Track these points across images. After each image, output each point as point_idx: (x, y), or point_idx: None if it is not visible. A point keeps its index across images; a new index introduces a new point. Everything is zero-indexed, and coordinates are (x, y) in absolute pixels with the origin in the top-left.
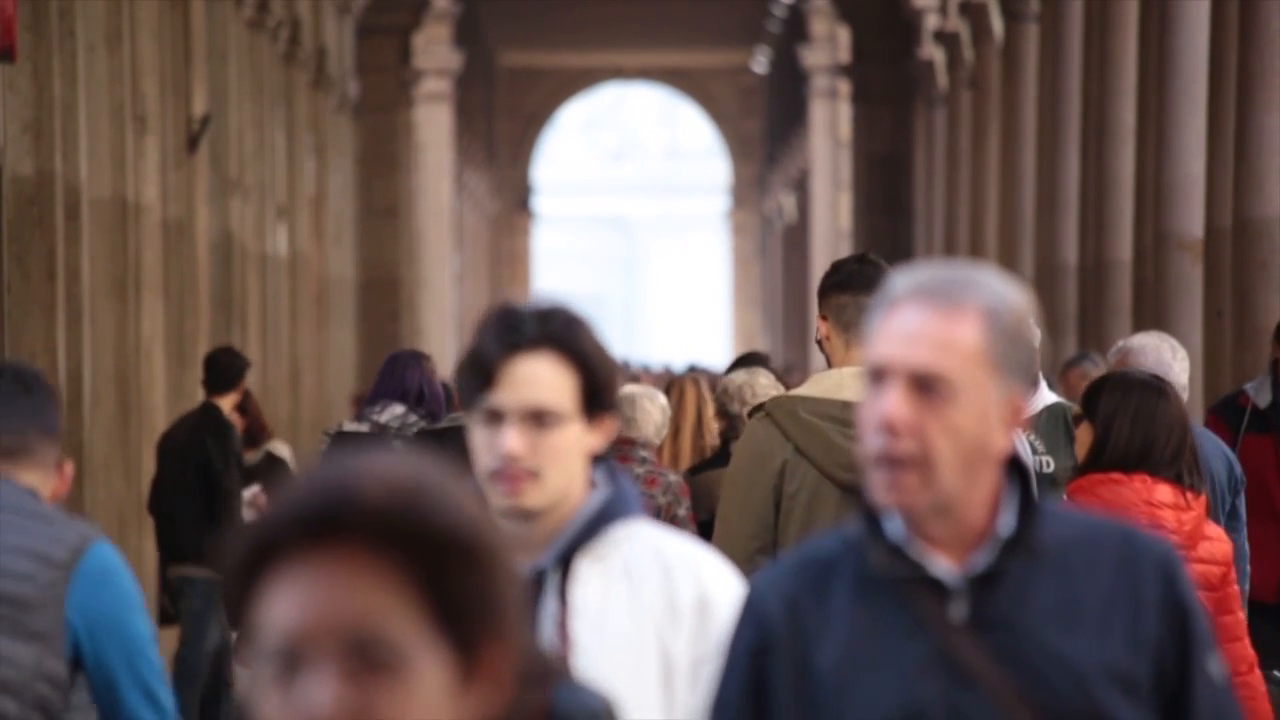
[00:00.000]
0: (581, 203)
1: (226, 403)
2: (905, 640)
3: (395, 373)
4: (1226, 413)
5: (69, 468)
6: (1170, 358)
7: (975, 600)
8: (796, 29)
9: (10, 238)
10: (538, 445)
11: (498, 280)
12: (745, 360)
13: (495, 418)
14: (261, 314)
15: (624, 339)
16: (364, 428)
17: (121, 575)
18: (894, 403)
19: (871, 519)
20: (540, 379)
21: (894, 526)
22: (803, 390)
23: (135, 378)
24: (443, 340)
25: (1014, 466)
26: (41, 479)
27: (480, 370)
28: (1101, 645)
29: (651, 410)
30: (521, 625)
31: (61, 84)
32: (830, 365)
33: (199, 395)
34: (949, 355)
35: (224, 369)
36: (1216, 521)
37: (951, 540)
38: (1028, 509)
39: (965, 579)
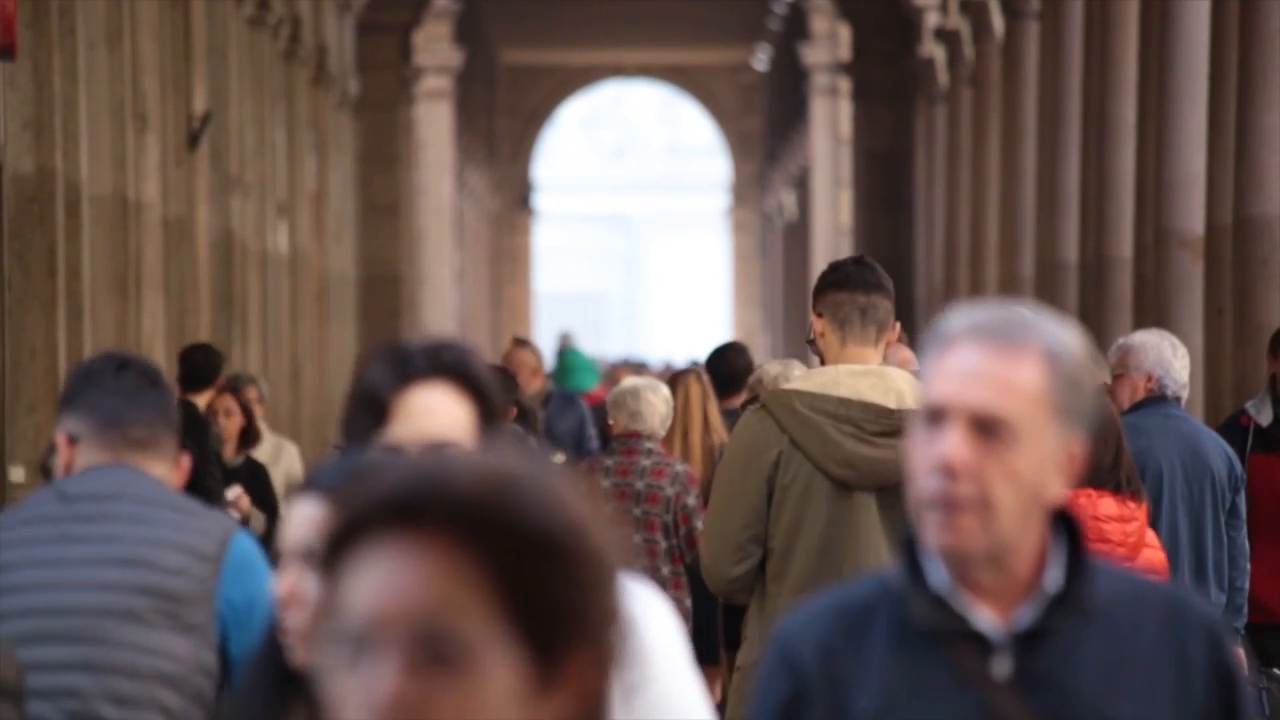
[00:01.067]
0: (582, 200)
1: (202, 400)
2: (946, 696)
3: None
4: (1230, 433)
5: (186, 460)
6: (1170, 355)
7: (1020, 657)
8: (797, 26)
9: (11, 235)
10: None
11: (498, 277)
12: (724, 350)
13: (395, 455)
14: (262, 311)
15: (624, 336)
16: None
17: (261, 564)
18: (954, 444)
19: (913, 566)
20: (436, 410)
21: (937, 575)
22: (798, 385)
23: None
24: None
25: (1062, 519)
26: (167, 471)
27: (373, 407)
28: (1148, 709)
29: (655, 403)
30: (617, 637)
31: (62, 81)
32: (823, 362)
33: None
34: (1011, 397)
35: (200, 366)
36: (1218, 520)
37: (998, 592)
38: (1077, 564)
39: (1010, 634)
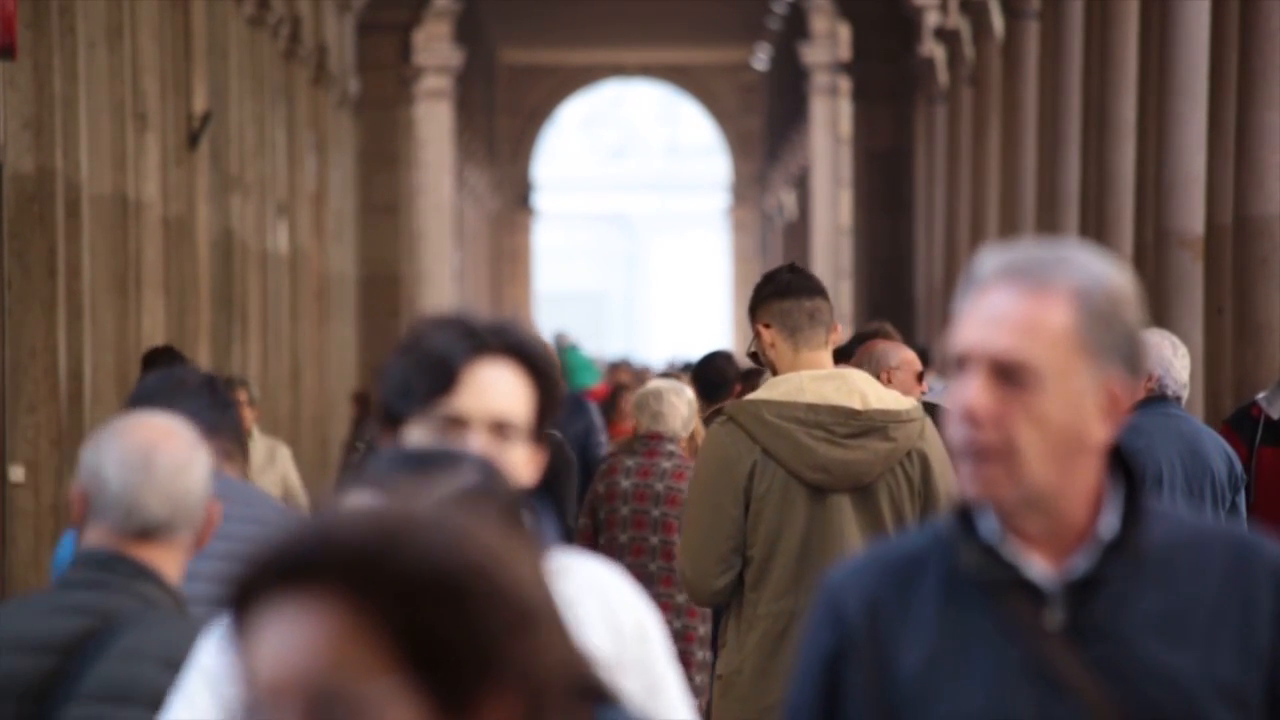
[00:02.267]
0: (582, 200)
1: None
2: (996, 647)
3: None
4: (1240, 425)
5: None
6: (1171, 355)
7: (1073, 607)
8: (797, 26)
9: (11, 234)
10: (499, 458)
11: (498, 277)
12: (712, 358)
13: (454, 425)
14: (262, 311)
15: (624, 336)
16: None
17: None
18: (975, 392)
19: (964, 516)
20: (504, 388)
21: (987, 525)
22: (763, 394)
23: (136, 375)
24: None
25: (1118, 462)
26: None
27: (440, 373)
28: (1209, 659)
29: (678, 405)
30: (546, 671)
31: (62, 81)
32: (775, 372)
33: None
34: (1034, 340)
35: (164, 365)
36: (1217, 518)
37: (1049, 540)
38: (1133, 509)
39: (1063, 583)
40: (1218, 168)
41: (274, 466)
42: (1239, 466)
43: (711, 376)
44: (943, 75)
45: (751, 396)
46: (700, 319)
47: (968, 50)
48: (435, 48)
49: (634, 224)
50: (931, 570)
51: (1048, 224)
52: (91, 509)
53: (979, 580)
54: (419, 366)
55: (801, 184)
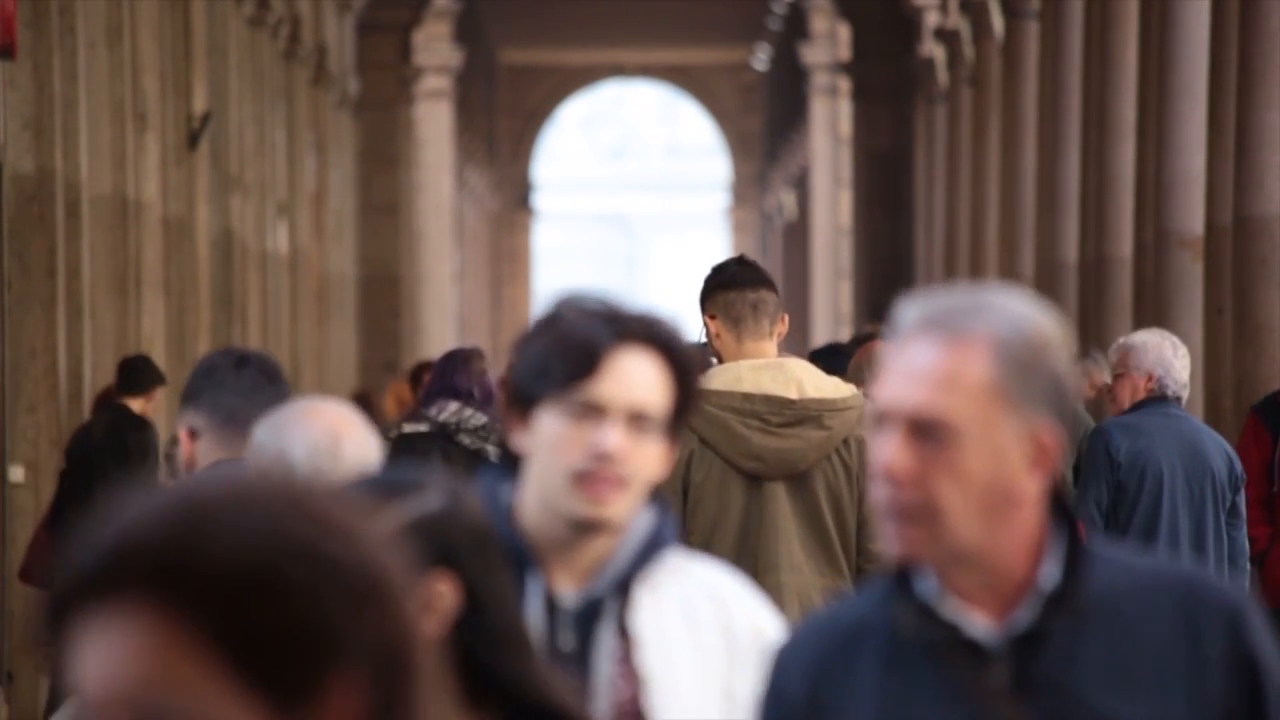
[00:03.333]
0: (582, 200)
1: (136, 404)
2: (941, 711)
3: (449, 371)
4: (1267, 413)
5: None
6: (1171, 355)
7: (1018, 663)
8: (797, 26)
9: (11, 235)
10: (634, 450)
11: (498, 277)
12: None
13: (591, 412)
14: (262, 311)
15: None
16: (423, 427)
17: None
18: (892, 451)
19: (902, 575)
20: (645, 379)
21: (925, 583)
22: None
23: None
24: (443, 337)
25: (1058, 510)
26: None
27: (582, 356)
28: (1161, 708)
29: None
30: (389, 635)
31: (62, 81)
32: (721, 362)
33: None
34: (951, 394)
35: (139, 371)
36: (1218, 520)
37: (988, 595)
38: (1075, 557)
39: (1006, 639)
40: (1218, 168)
41: None
42: (1239, 466)
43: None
44: (942, 75)
45: None
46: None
47: (967, 50)
48: (435, 48)
49: (634, 224)
50: (873, 635)
51: (1048, 224)
52: None
53: (919, 641)
54: (559, 348)
55: (801, 184)
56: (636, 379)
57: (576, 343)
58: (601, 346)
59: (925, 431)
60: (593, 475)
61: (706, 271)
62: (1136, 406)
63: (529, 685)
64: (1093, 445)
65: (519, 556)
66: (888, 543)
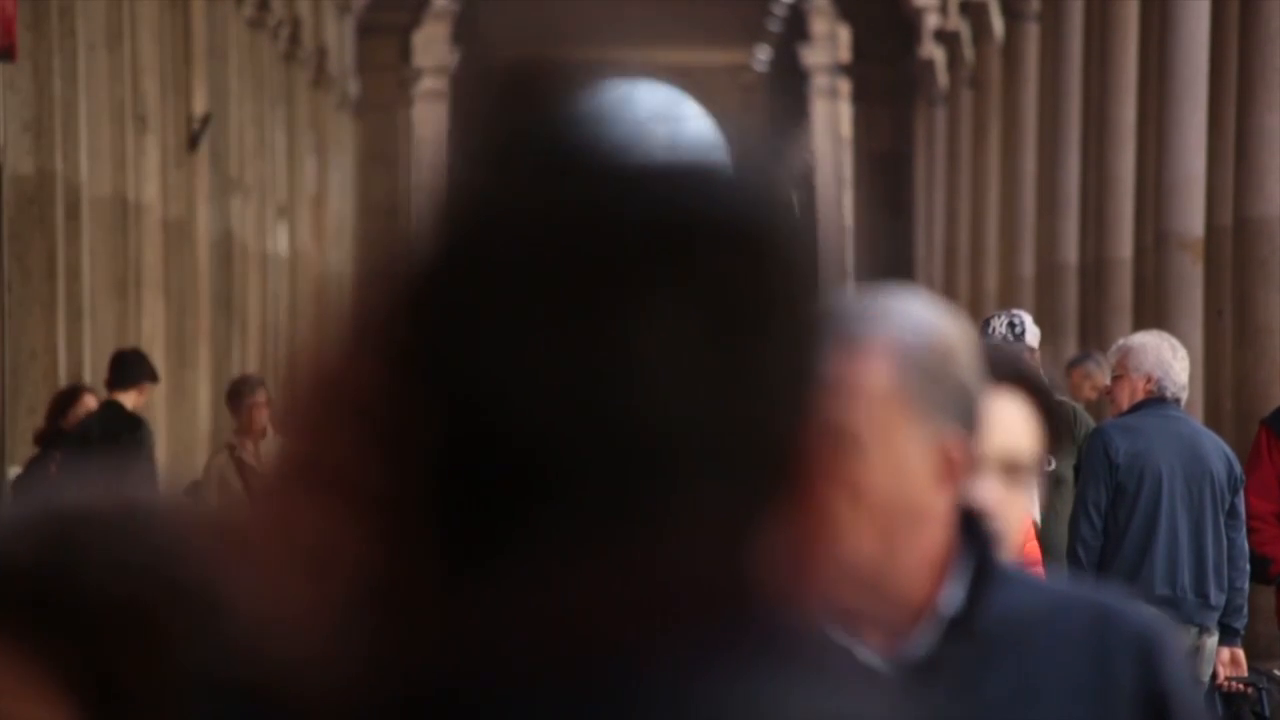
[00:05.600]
0: None
1: (128, 399)
2: None
3: None
4: (1277, 426)
5: None
6: (1170, 356)
7: (910, 693)
8: (797, 28)
9: (11, 236)
10: (1008, 500)
11: None
12: None
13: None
14: (262, 312)
15: None
16: None
17: None
18: None
19: None
20: (1015, 424)
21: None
22: None
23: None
24: None
25: (969, 528)
26: None
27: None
28: None
29: None
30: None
31: (62, 83)
32: None
33: (200, 394)
34: (850, 404)
35: (129, 366)
36: (1217, 521)
37: (883, 620)
38: (981, 579)
39: (898, 668)
40: (1217, 170)
41: None
42: (1238, 468)
43: None
44: (942, 77)
45: None
46: None
47: (967, 52)
48: (434, 49)
49: None
50: None
51: (1048, 226)
52: None
53: None
54: None
55: (801, 185)
56: (1006, 426)
57: None
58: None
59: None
60: None
61: None
62: (1136, 408)
63: None
64: (1092, 446)
65: None
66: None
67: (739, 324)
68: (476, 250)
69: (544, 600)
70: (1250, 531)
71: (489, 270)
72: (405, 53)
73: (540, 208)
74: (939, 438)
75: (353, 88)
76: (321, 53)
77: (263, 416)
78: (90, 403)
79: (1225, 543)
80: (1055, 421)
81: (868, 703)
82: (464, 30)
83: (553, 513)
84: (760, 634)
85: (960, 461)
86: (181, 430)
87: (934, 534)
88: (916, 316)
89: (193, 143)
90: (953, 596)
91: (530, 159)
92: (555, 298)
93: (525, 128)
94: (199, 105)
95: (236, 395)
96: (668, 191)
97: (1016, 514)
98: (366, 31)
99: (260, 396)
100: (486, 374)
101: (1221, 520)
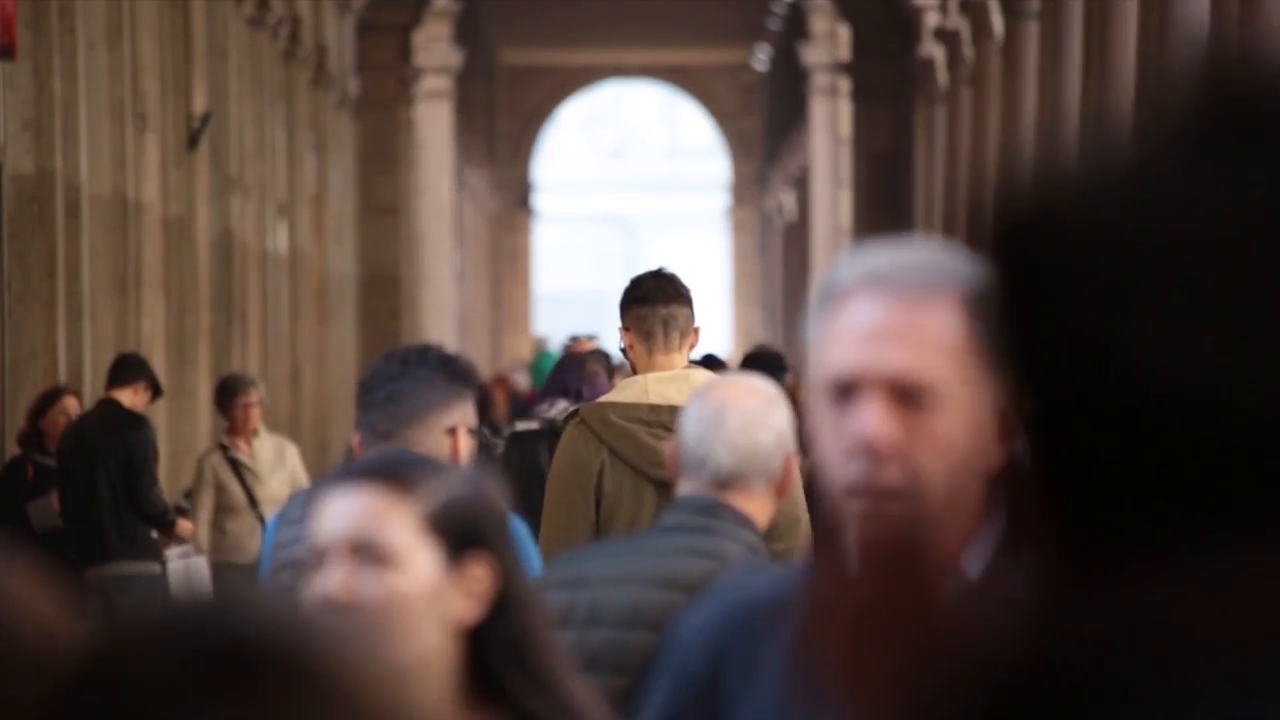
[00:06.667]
0: (582, 200)
1: (125, 397)
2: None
3: (564, 371)
4: None
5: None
6: None
7: None
8: (797, 26)
9: (11, 235)
10: None
11: (498, 277)
12: (755, 358)
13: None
14: (262, 312)
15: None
16: (535, 425)
17: (530, 548)
18: (875, 421)
19: (827, 555)
20: None
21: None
22: (612, 397)
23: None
24: (442, 338)
25: (1004, 489)
26: None
27: None
28: None
29: None
30: None
31: (62, 82)
32: (635, 372)
33: (200, 393)
34: (932, 355)
35: (129, 365)
36: None
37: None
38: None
39: None
40: None
41: (283, 465)
42: None
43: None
44: (942, 76)
45: (602, 399)
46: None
47: (967, 51)
48: (435, 48)
49: (634, 224)
50: (785, 618)
51: None
52: (680, 463)
53: None
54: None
55: (801, 184)
56: None
57: None
58: None
59: (909, 397)
60: None
61: (625, 284)
62: None
63: (546, 684)
64: None
65: None
66: (853, 525)
67: None
68: (1162, 232)
69: (1184, 600)
70: None
71: (1164, 254)
72: (406, 52)
73: (1247, 199)
74: (1001, 394)
75: (353, 87)
76: (321, 52)
77: (254, 415)
78: (71, 404)
79: None
80: None
81: None
82: (465, 29)
83: (1201, 509)
84: None
85: (1012, 420)
86: (182, 429)
87: (977, 494)
88: (975, 269)
89: (192, 141)
90: (982, 557)
91: (1247, 150)
92: (1226, 286)
93: (1234, 117)
94: (199, 104)
95: (227, 394)
96: None
97: None
98: (366, 30)
99: (252, 396)
100: (1153, 360)
101: None
